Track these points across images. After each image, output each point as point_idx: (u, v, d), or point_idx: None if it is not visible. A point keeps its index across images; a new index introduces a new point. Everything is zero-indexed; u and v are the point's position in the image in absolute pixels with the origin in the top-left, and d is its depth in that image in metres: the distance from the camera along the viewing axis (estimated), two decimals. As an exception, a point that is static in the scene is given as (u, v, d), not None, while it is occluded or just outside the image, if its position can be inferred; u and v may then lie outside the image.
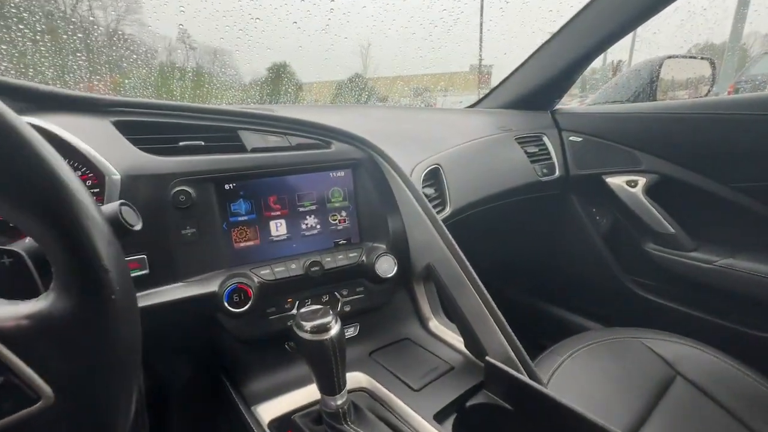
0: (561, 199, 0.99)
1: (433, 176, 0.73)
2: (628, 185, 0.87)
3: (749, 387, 0.63)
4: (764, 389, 0.62)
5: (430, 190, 0.71)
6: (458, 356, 0.52)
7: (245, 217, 0.50)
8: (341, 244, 0.56)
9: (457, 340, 0.54)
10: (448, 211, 0.70)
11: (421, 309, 0.59)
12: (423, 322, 0.59)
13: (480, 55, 1.79)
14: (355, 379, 0.49)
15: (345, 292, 0.54)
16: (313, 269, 0.50)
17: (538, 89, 0.97)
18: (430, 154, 0.75)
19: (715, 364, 0.66)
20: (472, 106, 1.17)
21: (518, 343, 0.45)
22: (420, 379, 0.48)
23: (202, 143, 0.50)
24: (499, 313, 0.46)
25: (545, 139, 0.95)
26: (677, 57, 1.00)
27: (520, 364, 0.43)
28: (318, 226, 0.55)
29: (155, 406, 0.59)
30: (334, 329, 0.38)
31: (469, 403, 0.44)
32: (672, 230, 0.82)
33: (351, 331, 0.57)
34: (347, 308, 0.54)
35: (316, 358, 0.38)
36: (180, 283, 0.45)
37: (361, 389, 0.49)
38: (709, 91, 1.00)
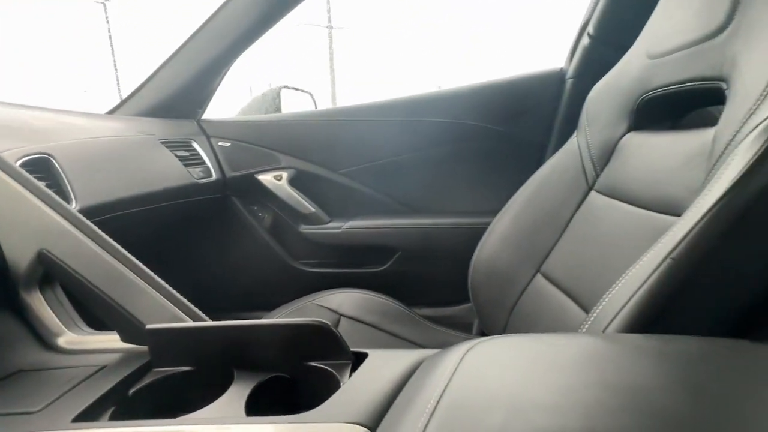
0: (223, 202, 1.02)
1: (43, 167, 0.55)
2: (276, 179, 1.03)
3: (385, 306, 0.88)
4: (394, 306, 0.89)
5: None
6: (113, 355, 0.40)
7: None
8: None
9: (113, 341, 0.42)
10: (75, 207, 0.55)
11: (42, 323, 0.41)
12: (48, 342, 0.41)
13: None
14: None
15: None
16: None
17: (178, 97, 0.96)
18: (35, 144, 0.57)
19: (366, 300, 0.89)
20: (109, 112, 1.00)
21: (185, 300, 0.40)
22: (44, 401, 0.33)
23: None
24: (153, 274, 0.40)
25: (195, 144, 0.96)
26: (289, 88, 1.29)
27: (191, 318, 0.39)
28: None
29: None
30: None
31: (133, 389, 0.35)
32: (312, 210, 1.04)
33: None
34: None
35: None
36: None
37: None
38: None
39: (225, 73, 0.98)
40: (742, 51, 0.46)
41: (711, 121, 0.46)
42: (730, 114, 0.44)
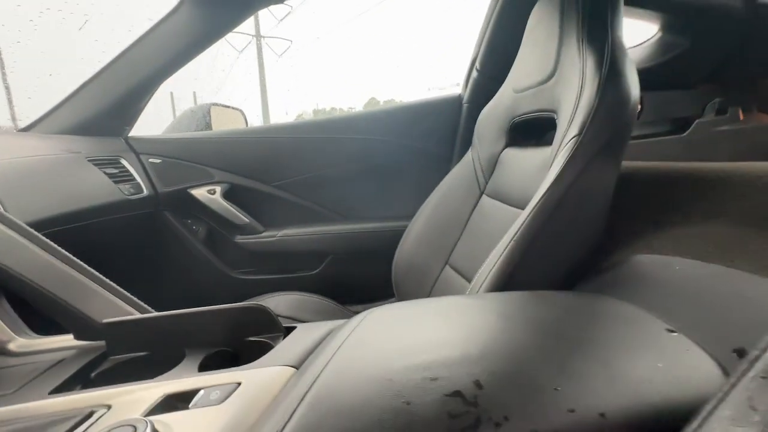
0: (157, 217, 1.04)
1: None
2: (209, 194, 1.08)
3: (319, 305, 0.98)
4: (327, 304, 0.99)
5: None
6: (68, 351, 0.45)
7: None
8: None
9: (64, 341, 0.47)
10: None
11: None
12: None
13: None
14: None
15: None
16: None
17: (104, 115, 0.97)
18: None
19: (300, 301, 0.97)
20: (23, 130, 0.98)
21: (134, 298, 0.47)
22: (16, 386, 0.38)
23: None
24: (102, 276, 0.46)
25: (123, 161, 0.97)
26: (219, 105, 1.34)
27: (139, 311, 0.46)
28: None
29: None
30: None
31: (95, 372, 0.41)
32: (247, 221, 1.10)
33: None
34: None
35: None
36: None
37: None
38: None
39: (154, 92, 1.02)
40: (561, 92, 0.65)
41: (551, 140, 0.65)
42: (557, 135, 0.62)
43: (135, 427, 0.27)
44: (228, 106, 1.38)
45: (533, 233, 0.55)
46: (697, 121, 1.10)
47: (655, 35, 1.06)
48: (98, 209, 0.81)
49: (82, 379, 0.40)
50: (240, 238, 1.11)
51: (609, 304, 0.42)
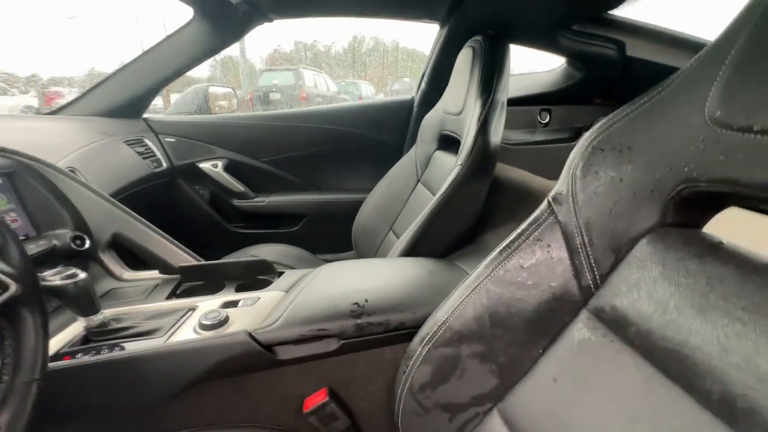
0: (172, 185, 1.35)
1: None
2: (213, 167, 1.38)
3: (297, 254, 1.35)
4: (303, 253, 1.36)
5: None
6: (158, 280, 0.81)
7: None
8: (23, 240, 0.66)
9: (153, 274, 0.83)
10: None
11: (112, 269, 0.80)
12: (119, 278, 0.81)
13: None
14: None
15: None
16: None
17: (128, 101, 1.24)
18: (55, 159, 0.88)
19: (283, 251, 1.34)
20: (53, 113, 1.23)
21: (187, 249, 0.82)
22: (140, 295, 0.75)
23: None
24: (156, 227, 0.81)
25: (147, 140, 1.26)
26: (216, 85, 1.59)
27: (194, 258, 0.82)
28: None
29: None
30: (81, 274, 0.59)
31: (180, 290, 0.78)
32: (242, 189, 1.43)
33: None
34: None
35: (76, 298, 0.58)
36: None
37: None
38: (234, 104, 1.68)
39: (166, 86, 1.28)
40: (463, 126, 0.99)
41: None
42: (459, 153, 0.97)
43: (219, 312, 0.65)
44: (222, 86, 1.62)
45: (431, 217, 0.92)
46: (586, 132, 1.46)
47: (562, 64, 1.37)
48: (137, 181, 1.12)
49: (174, 295, 0.77)
50: (236, 202, 1.44)
51: (448, 265, 0.81)
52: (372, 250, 1.36)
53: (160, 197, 1.35)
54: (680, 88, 0.37)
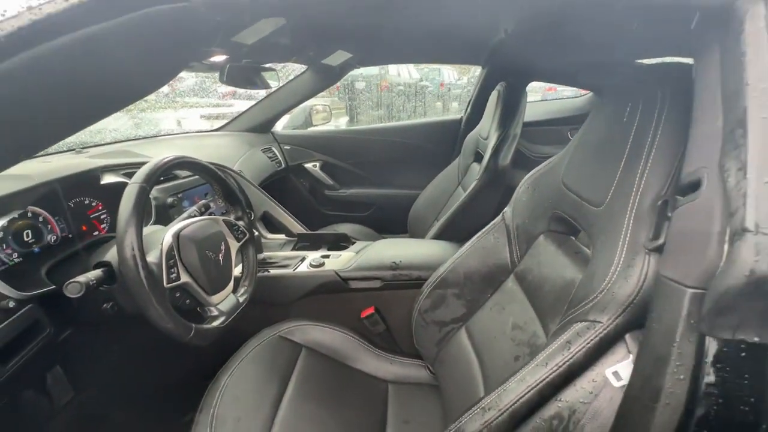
0: (286, 179, 1.97)
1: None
2: (313, 167, 1.96)
3: (366, 232, 1.88)
4: (371, 231, 1.88)
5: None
6: (283, 241, 1.39)
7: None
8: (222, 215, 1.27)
9: (280, 236, 1.40)
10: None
11: (262, 234, 1.39)
12: (264, 238, 1.40)
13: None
14: None
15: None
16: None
17: (264, 121, 1.86)
18: (231, 165, 1.50)
19: (357, 229, 1.88)
20: (217, 130, 1.90)
21: (300, 222, 1.38)
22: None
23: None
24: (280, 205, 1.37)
25: (273, 148, 1.87)
26: (317, 105, 2.15)
27: (300, 226, 1.37)
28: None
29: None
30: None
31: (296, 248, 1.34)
32: (332, 182, 1.99)
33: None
34: None
35: (259, 245, 1.15)
36: None
37: None
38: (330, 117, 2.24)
39: (288, 112, 1.87)
40: (487, 147, 1.39)
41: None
42: (480, 168, 1.38)
43: (319, 260, 1.17)
44: (323, 105, 2.19)
45: (455, 214, 1.36)
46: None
47: (588, 93, 1.64)
48: (268, 177, 1.73)
49: (294, 248, 1.33)
50: (327, 192, 2.02)
51: (456, 246, 1.25)
52: (422, 233, 1.81)
53: (278, 187, 1.98)
54: (557, 159, 0.77)
